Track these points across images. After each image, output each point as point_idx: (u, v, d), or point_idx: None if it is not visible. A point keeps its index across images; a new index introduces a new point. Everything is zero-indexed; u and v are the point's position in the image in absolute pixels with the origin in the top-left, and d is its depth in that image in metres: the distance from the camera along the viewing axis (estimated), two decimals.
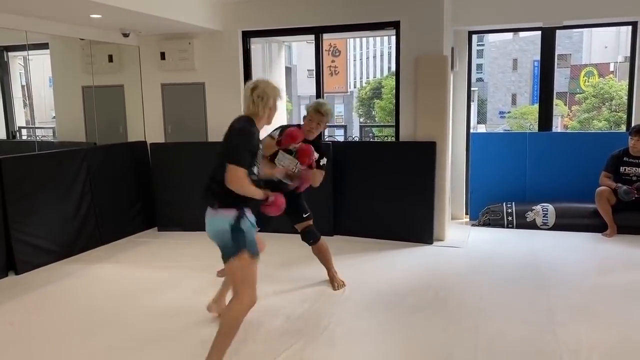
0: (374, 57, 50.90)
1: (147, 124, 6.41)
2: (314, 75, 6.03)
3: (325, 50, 6.09)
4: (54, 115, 6.94)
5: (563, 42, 33.36)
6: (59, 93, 6.66)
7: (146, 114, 6.41)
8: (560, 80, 29.74)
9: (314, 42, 5.90)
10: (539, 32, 6.15)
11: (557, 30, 6.04)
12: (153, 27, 5.69)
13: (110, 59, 6.24)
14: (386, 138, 14.96)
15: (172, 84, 6.24)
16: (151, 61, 6.22)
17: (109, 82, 6.33)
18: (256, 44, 6.34)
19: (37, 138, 6.93)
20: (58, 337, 3.35)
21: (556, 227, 5.65)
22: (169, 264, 4.75)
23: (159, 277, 4.43)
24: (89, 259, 4.97)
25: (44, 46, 6.35)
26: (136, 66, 6.28)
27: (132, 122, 6.45)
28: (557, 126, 24.73)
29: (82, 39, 5.79)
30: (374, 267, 4.65)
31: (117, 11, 4.63)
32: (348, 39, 35.51)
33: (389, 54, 46.66)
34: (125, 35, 5.88)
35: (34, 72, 7.26)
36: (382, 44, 49.15)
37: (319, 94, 5.96)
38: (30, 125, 7.32)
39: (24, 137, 7.16)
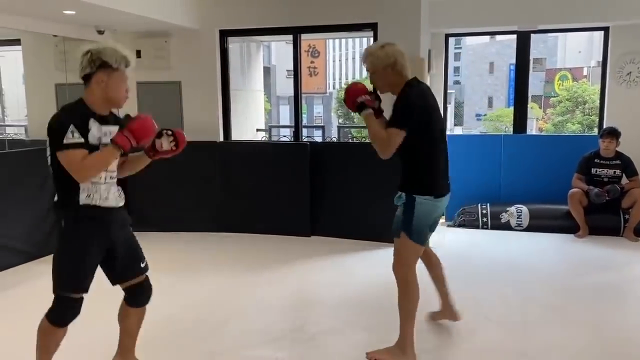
0: (353, 58, 51.04)
1: None
2: (293, 76, 6.03)
3: (305, 51, 6.08)
4: (26, 113, 6.80)
5: (538, 46, 33.99)
6: (31, 90, 6.52)
7: (121, 112, 6.29)
8: (535, 83, 30.30)
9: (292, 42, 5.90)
10: (515, 36, 6.24)
11: (532, 35, 6.14)
12: (129, 24, 5.61)
13: None
14: (364, 139, 15.01)
15: (148, 82, 6.15)
16: None
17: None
18: (234, 44, 6.30)
19: (8, 136, 6.79)
20: (28, 340, 3.27)
21: (530, 228, 5.73)
22: None
23: None
24: None
25: (16, 42, 6.23)
26: None
27: None
28: (532, 129, 25.14)
29: (56, 36, 5.68)
30: (351, 268, 4.66)
31: (92, 7, 4.54)
32: (327, 40, 35.63)
33: None
34: (100, 32, 5.78)
35: (6, 68, 7.10)
36: (361, 45, 49.33)
37: (297, 94, 5.96)
38: (1, 123, 7.17)
39: None
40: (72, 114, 2.36)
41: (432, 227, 3.02)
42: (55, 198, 2.47)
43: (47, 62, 6.19)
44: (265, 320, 3.51)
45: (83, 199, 2.41)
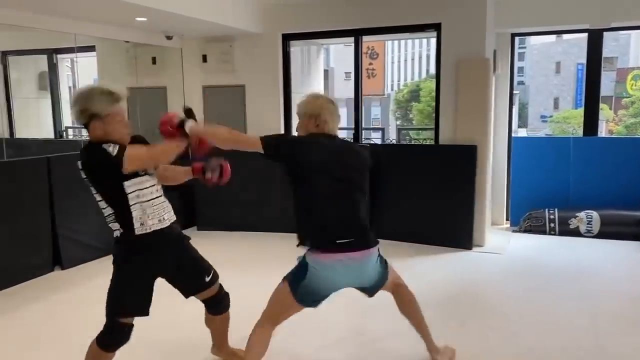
0: (412, 59, 50.52)
1: None
2: (352, 78, 6.03)
3: (363, 52, 6.06)
4: None
5: (609, 44, 32.36)
6: None
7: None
8: (606, 83, 28.85)
9: (352, 44, 5.90)
10: (584, 35, 5.99)
11: (604, 33, 5.86)
12: (195, 30, 5.79)
13: (154, 61, 6.39)
14: (424, 141, 14.84)
15: (213, 86, 6.34)
16: (193, 63, 6.33)
17: (152, 84, 6.47)
18: (295, 47, 6.38)
19: (83, 137, 7.15)
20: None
21: (601, 235, 5.48)
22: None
23: None
24: None
25: (90, 49, 6.56)
26: (178, 68, 6.41)
27: None
28: (602, 131, 24.02)
29: (127, 42, 5.95)
30: (412, 272, 4.59)
31: (162, 14, 4.74)
32: (386, 42, 35.45)
33: (427, 56, 46.30)
34: (169, 37, 6.01)
35: (81, 73, 7.49)
36: (420, 47, 48.76)
37: (357, 96, 5.96)
38: (77, 125, 7.57)
39: (70, 137, 7.40)
40: (99, 143, 2.33)
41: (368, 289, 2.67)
42: (116, 234, 2.47)
43: (118, 66, 6.50)
44: (325, 321, 3.52)
45: (138, 228, 2.40)
